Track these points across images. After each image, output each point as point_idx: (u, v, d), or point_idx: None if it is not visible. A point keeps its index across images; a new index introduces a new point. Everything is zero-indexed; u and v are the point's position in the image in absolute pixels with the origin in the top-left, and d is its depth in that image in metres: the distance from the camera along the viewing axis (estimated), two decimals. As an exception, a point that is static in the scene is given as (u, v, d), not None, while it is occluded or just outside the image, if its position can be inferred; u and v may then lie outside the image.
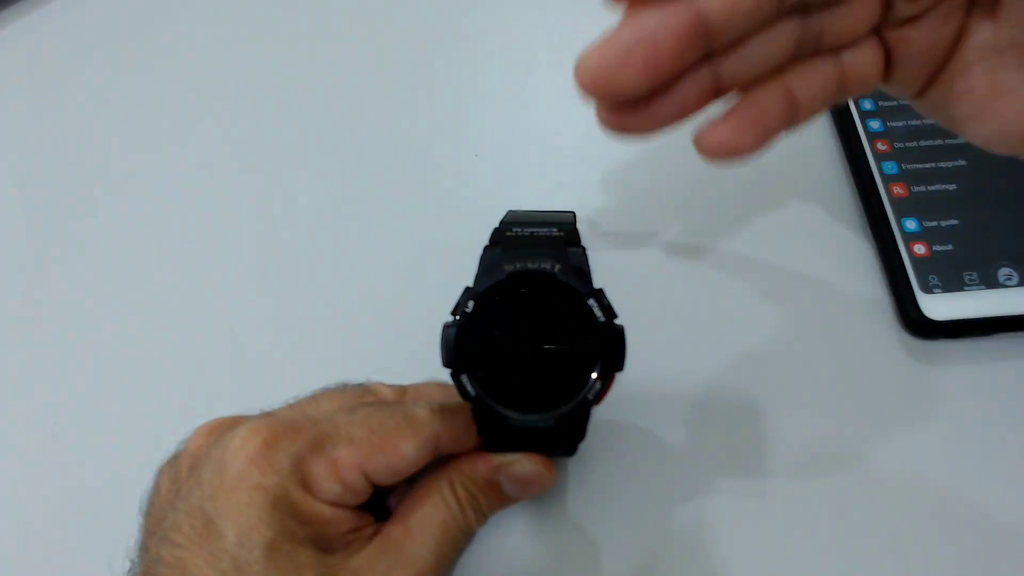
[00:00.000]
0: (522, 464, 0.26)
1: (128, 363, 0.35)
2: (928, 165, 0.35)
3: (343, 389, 0.29)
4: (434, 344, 0.24)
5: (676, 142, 0.39)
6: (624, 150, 0.39)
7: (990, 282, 0.33)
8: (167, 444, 0.28)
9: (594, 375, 0.24)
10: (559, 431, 0.25)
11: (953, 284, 0.33)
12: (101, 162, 0.40)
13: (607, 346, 0.24)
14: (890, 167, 0.35)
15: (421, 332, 0.27)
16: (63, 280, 0.37)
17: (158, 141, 0.41)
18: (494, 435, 0.26)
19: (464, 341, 0.24)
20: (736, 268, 0.35)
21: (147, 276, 0.37)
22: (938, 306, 0.32)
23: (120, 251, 0.38)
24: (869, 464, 0.31)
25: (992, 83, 0.23)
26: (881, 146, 0.36)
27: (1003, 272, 0.33)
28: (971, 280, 0.33)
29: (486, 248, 0.26)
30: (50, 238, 0.38)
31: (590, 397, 0.24)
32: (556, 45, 0.41)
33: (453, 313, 0.24)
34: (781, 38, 0.22)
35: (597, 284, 0.25)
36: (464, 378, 0.24)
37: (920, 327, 0.32)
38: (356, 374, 0.30)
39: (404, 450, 0.25)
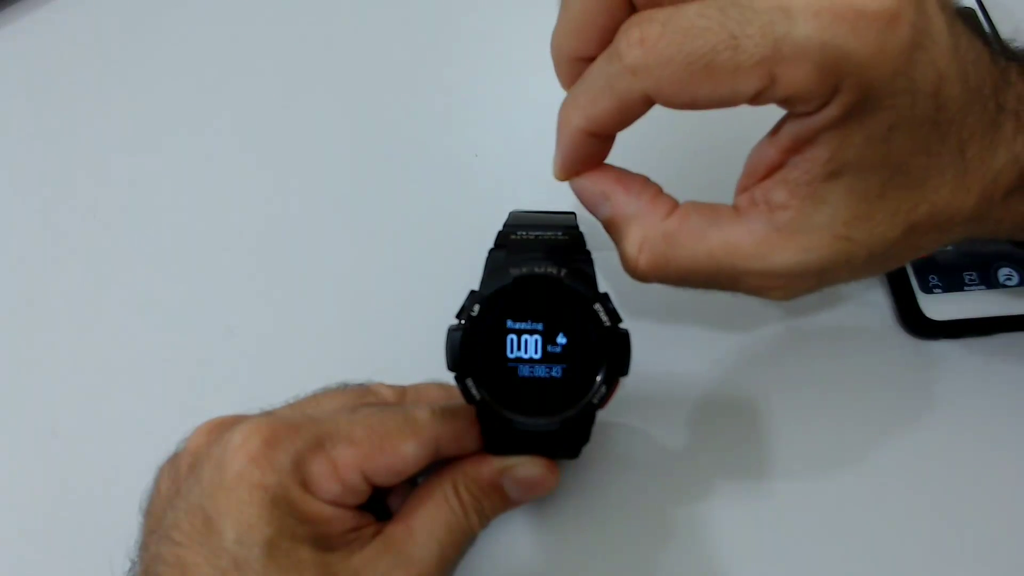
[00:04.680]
0: (526, 467, 0.26)
1: (128, 362, 0.35)
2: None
3: (344, 389, 0.29)
4: (434, 344, 0.24)
5: (675, 141, 0.39)
6: (622, 150, 0.38)
7: (990, 282, 0.33)
8: (167, 443, 0.27)
9: (599, 379, 0.24)
10: (563, 435, 0.25)
11: (953, 284, 0.33)
12: (101, 161, 0.40)
13: (612, 350, 0.24)
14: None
15: (420, 331, 0.27)
16: (63, 279, 0.37)
17: (157, 141, 0.40)
18: (498, 438, 0.26)
19: (469, 345, 0.24)
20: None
21: (147, 275, 0.37)
22: (938, 306, 0.32)
23: (120, 250, 0.37)
24: (869, 464, 0.31)
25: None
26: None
27: (1003, 272, 0.33)
28: (971, 280, 0.33)
29: (491, 251, 0.26)
30: (49, 237, 0.38)
31: (595, 401, 0.24)
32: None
33: (458, 316, 0.24)
34: None
35: (599, 287, 0.25)
36: (469, 382, 0.24)
37: (920, 327, 0.32)
38: (357, 374, 0.30)
39: (404, 451, 0.25)
